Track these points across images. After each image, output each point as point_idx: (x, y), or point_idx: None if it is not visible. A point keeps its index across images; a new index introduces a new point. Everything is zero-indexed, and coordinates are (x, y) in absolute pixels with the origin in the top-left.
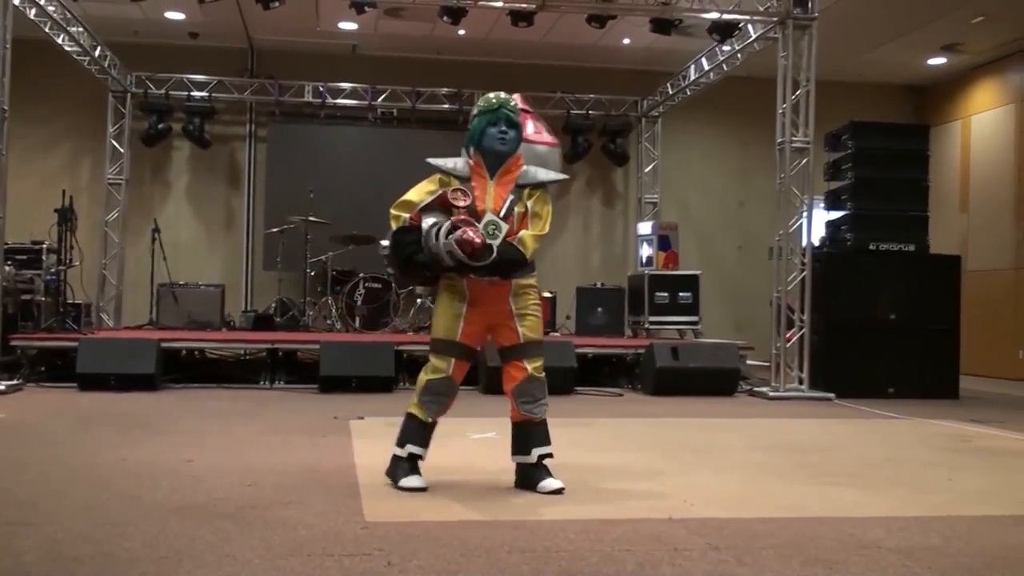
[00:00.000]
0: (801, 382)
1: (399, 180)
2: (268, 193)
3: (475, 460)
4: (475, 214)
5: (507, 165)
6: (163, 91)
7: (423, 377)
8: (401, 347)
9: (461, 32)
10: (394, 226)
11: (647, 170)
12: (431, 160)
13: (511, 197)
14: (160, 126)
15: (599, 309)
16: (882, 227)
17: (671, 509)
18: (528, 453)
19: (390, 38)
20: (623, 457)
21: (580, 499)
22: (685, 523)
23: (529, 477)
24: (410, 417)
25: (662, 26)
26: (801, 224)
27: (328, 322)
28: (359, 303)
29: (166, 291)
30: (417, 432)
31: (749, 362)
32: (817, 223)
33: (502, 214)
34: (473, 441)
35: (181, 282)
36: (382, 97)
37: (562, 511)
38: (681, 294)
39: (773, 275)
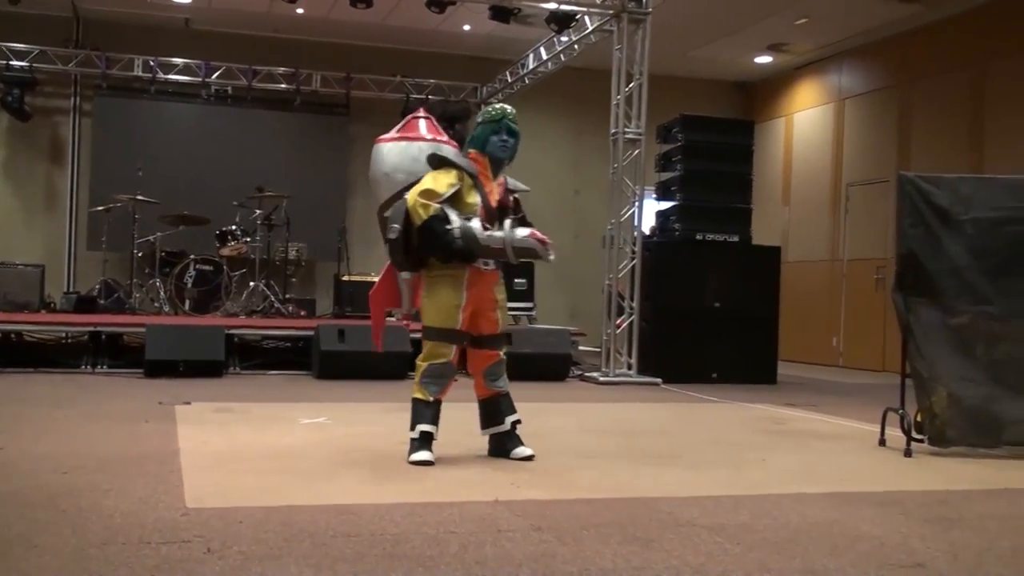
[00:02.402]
0: (630, 367)
1: (233, 159)
2: (93, 170)
3: (304, 445)
4: (490, 210)
5: (502, 170)
6: None
7: (423, 363)
8: (232, 331)
9: (299, 11)
10: (423, 214)
11: None
12: (445, 154)
13: (509, 200)
14: None
15: None
16: (709, 218)
17: (497, 491)
18: (502, 422)
19: (225, 13)
20: (453, 440)
21: (408, 482)
22: (510, 505)
23: (502, 445)
24: (415, 401)
25: (501, 14)
26: (633, 213)
27: (156, 305)
28: (189, 285)
29: None
30: (424, 412)
31: (581, 348)
32: (648, 213)
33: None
34: (303, 426)
35: None
36: (216, 74)
37: (389, 495)
38: (516, 280)
39: (604, 263)
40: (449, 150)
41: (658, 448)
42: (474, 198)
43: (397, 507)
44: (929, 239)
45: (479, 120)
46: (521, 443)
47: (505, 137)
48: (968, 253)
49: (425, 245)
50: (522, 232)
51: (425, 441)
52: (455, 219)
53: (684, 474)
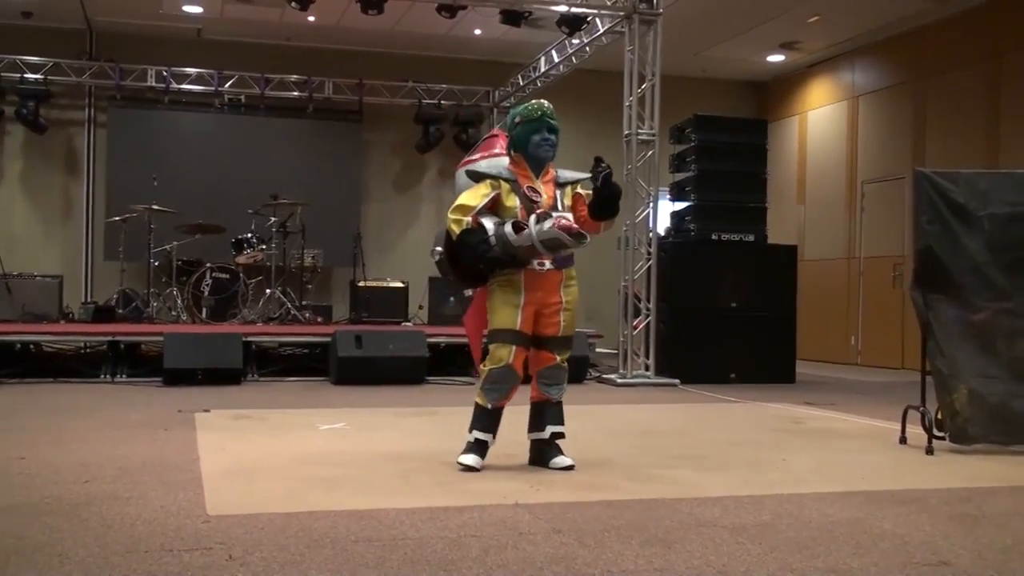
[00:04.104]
0: (647, 369)
1: (247, 168)
2: (109, 180)
3: (323, 451)
4: (531, 209)
5: (547, 167)
6: None
7: (485, 368)
8: (250, 338)
9: (311, 18)
10: (456, 229)
11: None
12: (475, 168)
13: (558, 193)
14: None
15: (451, 299)
16: (724, 218)
17: (517, 495)
18: (542, 430)
19: (237, 23)
20: None
21: (428, 487)
22: (530, 508)
23: (542, 453)
24: (476, 406)
25: (512, 18)
26: (647, 214)
27: (173, 313)
28: (206, 294)
29: None
30: (480, 418)
31: (598, 350)
32: (663, 214)
33: (558, 209)
34: (322, 432)
35: (15, 273)
36: (229, 83)
37: (409, 499)
38: None
39: (620, 264)
40: (484, 162)
41: (677, 449)
42: (513, 202)
43: (417, 511)
44: (947, 235)
45: (515, 120)
46: (560, 453)
47: (546, 135)
48: (986, 249)
49: (465, 257)
50: (547, 224)
51: (478, 448)
52: (491, 227)
53: (704, 475)
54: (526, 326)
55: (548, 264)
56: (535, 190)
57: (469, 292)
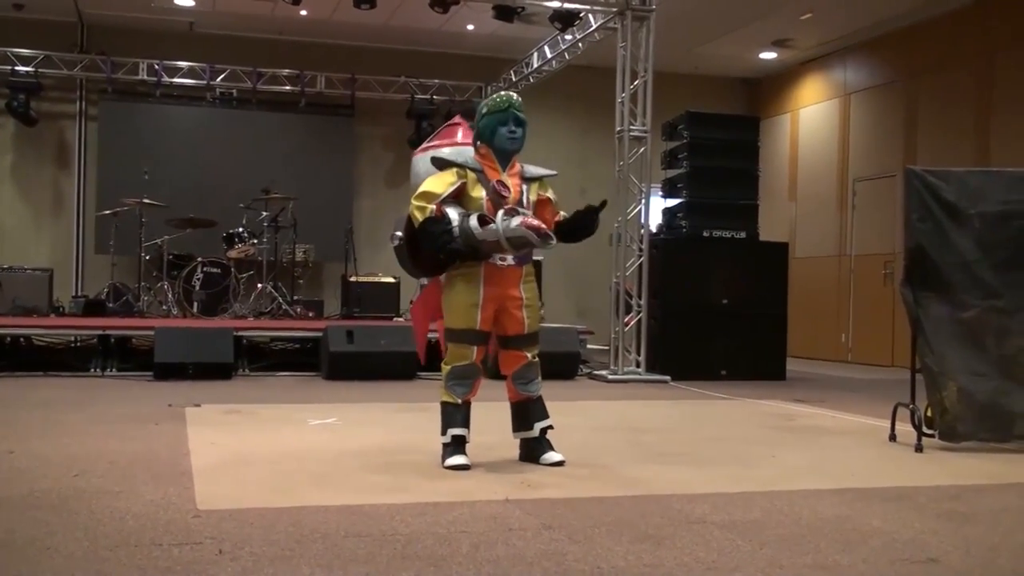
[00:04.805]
0: (639, 365)
1: (239, 162)
2: (100, 174)
3: (314, 446)
4: (498, 203)
5: (513, 161)
6: None
7: (446, 366)
8: (241, 333)
9: (303, 12)
10: (419, 216)
11: None
12: (440, 154)
13: (524, 187)
14: None
15: None
16: (715, 215)
17: (508, 490)
18: (531, 427)
19: (229, 16)
20: None
21: (419, 482)
22: (521, 504)
23: (532, 450)
24: (444, 404)
25: (505, 13)
26: (639, 211)
27: (164, 308)
28: (197, 288)
29: None
30: (453, 416)
31: (589, 346)
32: (655, 210)
33: (524, 204)
34: (312, 427)
35: (5, 266)
36: (221, 77)
37: (400, 495)
38: None
39: (612, 261)
40: (448, 150)
41: (668, 445)
42: (479, 192)
43: (408, 507)
44: (937, 233)
45: (483, 111)
46: (551, 448)
47: (513, 128)
48: (977, 247)
49: (425, 247)
50: (515, 222)
51: (458, 445)
52: (455, 217)
53: (694, 471)
54: (486, 325)
55: (510, 259)
56: (504, 184)
57: (424, 281)
